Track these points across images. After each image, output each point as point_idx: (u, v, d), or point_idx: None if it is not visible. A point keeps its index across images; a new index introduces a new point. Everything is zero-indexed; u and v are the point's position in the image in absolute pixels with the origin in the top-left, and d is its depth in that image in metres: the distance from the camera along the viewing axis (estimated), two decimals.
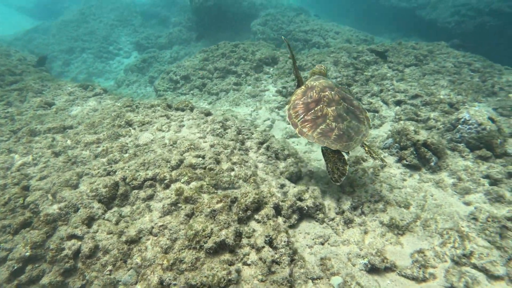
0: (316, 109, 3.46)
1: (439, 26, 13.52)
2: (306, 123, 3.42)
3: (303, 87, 3.69)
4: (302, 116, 3.48)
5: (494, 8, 11.57)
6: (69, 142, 4.27)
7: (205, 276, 2.73)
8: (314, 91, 3.56)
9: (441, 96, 5.77)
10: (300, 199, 3.55)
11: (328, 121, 3.37)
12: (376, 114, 5.70)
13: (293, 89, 6.68)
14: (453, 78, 6.49)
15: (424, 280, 2.97)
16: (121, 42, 13.98)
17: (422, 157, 4.39)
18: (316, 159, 5.08)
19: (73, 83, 6.35)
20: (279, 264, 2.91)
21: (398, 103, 5.82)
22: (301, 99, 3.57)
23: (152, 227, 3.25)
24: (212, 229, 3.11)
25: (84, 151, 4.16)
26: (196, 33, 13.16)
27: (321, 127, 3.36)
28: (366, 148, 3.53)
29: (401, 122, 5.35)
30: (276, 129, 6.09)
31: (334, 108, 3.42)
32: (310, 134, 3.34)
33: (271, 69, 7.45)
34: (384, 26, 16.59)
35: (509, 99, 5.81)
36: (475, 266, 3.07)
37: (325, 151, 3.51)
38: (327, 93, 3.51)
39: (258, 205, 3.42)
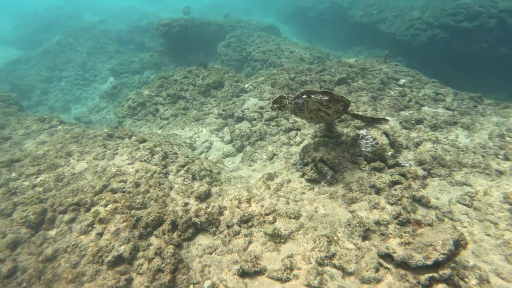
0: None
1: (397, 39, 14.27)
2: None
3: None
4: None
5: (442, 21, 12.31)
6: (13, 174, 4.94)
7: (98, 286, 3.34)
8: None
9: (358, 113, 6.40)
10: (197, 216, 4.17)
11: None
12: (299, 132, 6.34)
13: (232, 112, 7.36)
14: (376, 94, 7.14)
15: (287, 280, 3.54)
16: (97, 69, 14.88)
17: (320, 172, 5.00)
18: (238, 177, 5.70)
19: (33, 116, 7.07)
20: (163, 272, 3.52)
21: None
22: None
23: (68, 246, 3.88)
24: (113, 245, 3.74)
25: (24, 182, 4.83)
26: (167, 57, 14.07)
27: None
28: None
29: (316, 139, 5.98)
30: (214, 150, 6.74)
31: None
32: None
33: (218, 92, 8.17)
34: (351, 41, 17.40)
35: (419, 112, 6.43)
36: (334, 266, 3.63)
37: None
38: None
39: (158, 222, 4.05)
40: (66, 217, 4.23)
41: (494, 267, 3.31)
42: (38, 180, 4.82)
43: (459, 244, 3.29)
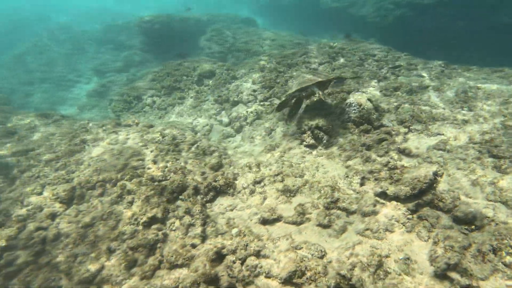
0: None
1: (368, 21, 15.21)
2: None
3: None
4: None
5: (408, 0, 13.37)
6: (32, 161, 5.24)
7: (140, 240, 3.83)
8: None
9: (342, 87, 7.12)
10: (215, 180, 4.70)
11: None
12: None
13: (227, 97, 7.89)
14: (357, 69, 7.90)
15: (301, 223, 4.16)
16: (80, 70, 14.78)
17: (317, 138, 5.65)
18: (243, 152, 6.25)
19: (35, 112, 7.24)
20: (194, 226, 4.05)
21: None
22: None
23: (103, 214, 4.30)
24: (146, 209, 4.22)
25: (45, 167, 5.15)
26: (151, 54, 14.25)
27: None
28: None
29: (309, 111, 6.62)
30: (214, 132, 7.24)
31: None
32: None
33: (210, 81, 8.64)
34: (325, 26, 18.23)
35: (396, 81, 7.23)
36: (339, 208, 4.29)
37: None
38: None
39: (182, 188, 4.55)
40: (95, 192, 4.64)
41: (464, 190, 4.10)
42: (59, 164, 5.15)
43: (437, 174, 4.05)
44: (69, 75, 14.21)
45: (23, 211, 4.19)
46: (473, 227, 3.67)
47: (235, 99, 7.65)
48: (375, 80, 7.32)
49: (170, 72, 9.07)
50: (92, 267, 3.64)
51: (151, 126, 6.30)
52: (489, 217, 3.73)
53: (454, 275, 3.12)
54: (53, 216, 4.22)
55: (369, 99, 6.04)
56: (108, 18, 24.30)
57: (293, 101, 5.92)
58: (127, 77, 12.64)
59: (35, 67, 14.43)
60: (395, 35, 14.16)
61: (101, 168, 4.98)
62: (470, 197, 4.12)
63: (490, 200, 4.02)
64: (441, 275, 3.16)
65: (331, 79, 5.67)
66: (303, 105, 6.72)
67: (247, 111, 7.25)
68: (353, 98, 6.02)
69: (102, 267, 3.66)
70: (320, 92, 5.28)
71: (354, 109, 5.93)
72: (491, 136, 4.87)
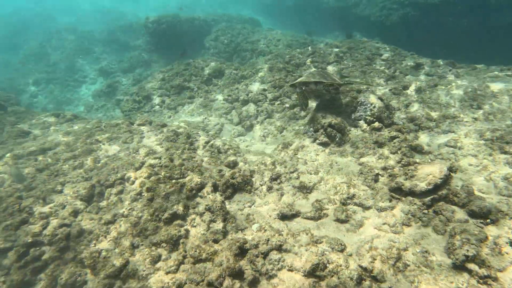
0: None
1: (372, 21, 15.32)
2: None
3: None
4: None
5: (411, 0, 13.49)
6: (49, 160, 5.32)
7: (162, 235, 3.91)
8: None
9: (352, 85, 7.21)
10: (233, 178, 4.79)
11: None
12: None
13: (237, 96, 7.98)
14: (365, 69, 7.99)
15: (319, 218, 4.26)
16: (86, 70, 14.85)
17: (330, 136, 5.73)
18: (255, 150, 6.35)
19: (46, 112, 7.31)
20: (215, 222, 4.13)
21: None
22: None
23: (124, 211, 4.39)
24: (166, 206, 4.30)
25: (63, 166, 5.23)
26: (156, 54, 14.35)
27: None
28: None
29: (320, 110, 6.71)
30: (225, 131, 7.33)
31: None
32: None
33: (219, 81, 8.73)
34: (329, 26, 18.34)
35: (403, 80, 7.34)
36: (355, 204, 4.39)
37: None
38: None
39: (201, 186, 4.63)
40: (114, 190, 4.72)
41: (477, 186, 4.20)
42: (77, 163, 5.23)
43: (451, 170, 4.15)
44: (74, 75, 14.28)
45: (45, 208, 4.27)
46: (488, 220, 3.76)
47: (245, 98, 7.74)
48: (384, 79, 7.42)
49: (179, 72, 9.15)
50: (117, 262, 3.71)
51: (164, 125, 6.38)
52: (503, 211, 3.83)
53: (472, 266, 3.21)
54: (75, 213, 4.30)
55: (379, 98, 6.14)
56: (113, 18, 24.37)
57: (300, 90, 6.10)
58: (133, 77, 12.72)
59: (41, 67, 14.49)
60: (399, 35, 14.28)
61: (119, 167, 5.06)
62: (483, 192, 4.22)
63: (504, 195, 4.12)
64: (460, 267, 3.25)
65: (340, 84, 5.85)
66: (314, 104, 6.84)
67: (257, 110, 7.34)
68: (364, 97, 6.12)
69: (127, 262, 3.75)
70: (329, 91, 5.47)
71: (366, 108, 6.03)
72: (502, 133, 4.97)
